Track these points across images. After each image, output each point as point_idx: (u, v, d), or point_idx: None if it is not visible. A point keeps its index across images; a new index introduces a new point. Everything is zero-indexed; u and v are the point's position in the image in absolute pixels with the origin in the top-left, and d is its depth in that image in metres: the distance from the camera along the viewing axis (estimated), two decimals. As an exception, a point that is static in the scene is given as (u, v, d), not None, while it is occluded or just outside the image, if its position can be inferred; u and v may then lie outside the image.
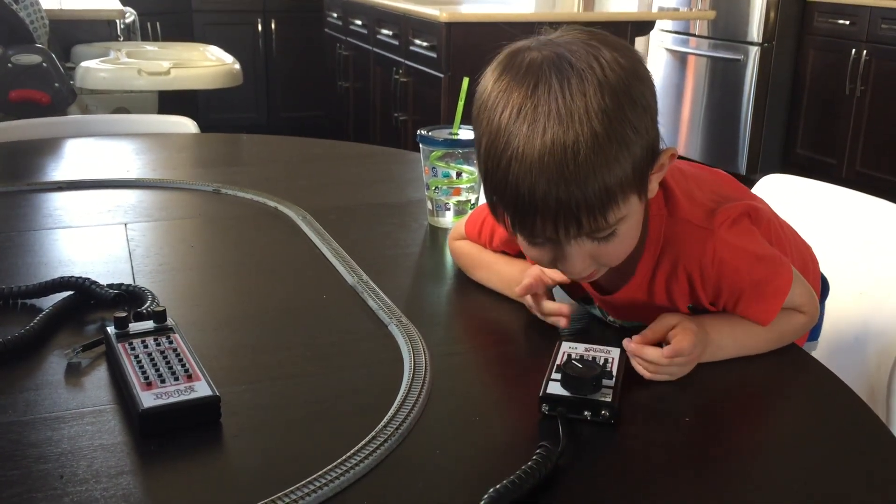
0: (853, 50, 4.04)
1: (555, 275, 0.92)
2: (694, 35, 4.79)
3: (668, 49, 4.93)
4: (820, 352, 1.13)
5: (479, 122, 0.79)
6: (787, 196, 1.37)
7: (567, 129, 0.73)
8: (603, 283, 0.92)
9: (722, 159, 4.54)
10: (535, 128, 0.73)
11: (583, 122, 0.72)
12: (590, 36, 0.78)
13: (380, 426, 0.73)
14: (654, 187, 0.82)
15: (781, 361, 0.89)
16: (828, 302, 1.14)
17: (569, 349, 0.83)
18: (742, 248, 0.85)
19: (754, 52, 4.37)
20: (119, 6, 3.84)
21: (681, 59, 4.87)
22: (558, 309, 0.93)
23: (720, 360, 0.86)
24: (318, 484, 0.65)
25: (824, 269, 1.10)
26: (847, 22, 4.09)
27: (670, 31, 4.92)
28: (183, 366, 0.78)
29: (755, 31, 4.36)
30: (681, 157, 0.93)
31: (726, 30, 4.54)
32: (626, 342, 0.84)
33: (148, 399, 0.73)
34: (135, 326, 0.84)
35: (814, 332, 1.11)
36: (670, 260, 0.86)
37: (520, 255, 0.99)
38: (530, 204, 0.75)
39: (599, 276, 0.85)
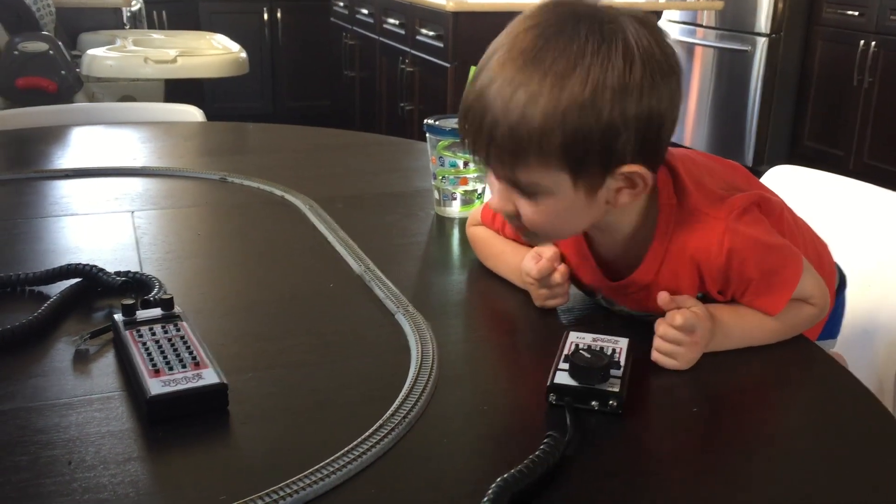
0: (861, 41, 4.02)
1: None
2: (701, 26, 4.77)
3: (675, 40, 4.91)
4: (828, 343, 1.13)
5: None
6: (795, 187, 1.37)
7: (567, 63, 0.72)
8: (611, 271, 0.91)
9: (729, 150, 4.53)
10: (521, 39, 0.74)
11: (589, 70, 0.71)
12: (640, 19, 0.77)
13: (387, 415, 0.73)
14: (621, 199, 0.80)
15: (789, 353, 0.88)
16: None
17: (576, 339, 0.82)
18: (751, 237, 0.85)
19: (762, 42, 4.35)
20: (125, -6, 3.84)
21: (688, 49, 4.85)
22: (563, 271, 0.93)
23: (727, 349, 0.86)
24: (325, 472, 0.65)
25: (831, 260, 1.10)
26: (855, 13, 4.07)
27: (677, 22, 4.91)
28: (190, 353, 0.78)
29: (763, 21, 4.34)
30: (688, 148, 0.92)
31: (734, 20, 4.52)
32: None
33: (156, 386, 0.73)
34: (142, 314, 0.85)
35: (832, 331, 1.10)
36: (679, 248, 0.86)
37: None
38: (471, 99, 0.75)
39: (540, 242, 0.87)
